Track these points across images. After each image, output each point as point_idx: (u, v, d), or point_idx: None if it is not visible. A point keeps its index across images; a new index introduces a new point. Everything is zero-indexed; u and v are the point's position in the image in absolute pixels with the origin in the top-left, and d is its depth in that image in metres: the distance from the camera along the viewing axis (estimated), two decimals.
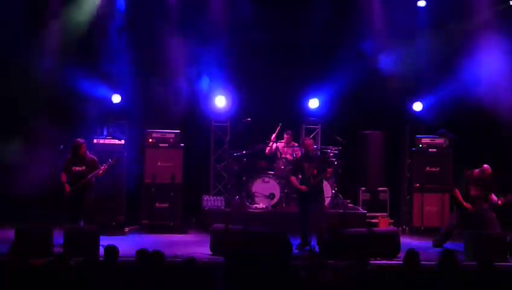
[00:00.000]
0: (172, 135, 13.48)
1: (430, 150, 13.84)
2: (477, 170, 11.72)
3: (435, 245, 11.95)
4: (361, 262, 7.92)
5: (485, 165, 11.67)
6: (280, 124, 13.79)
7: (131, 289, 7.56)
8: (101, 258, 8.90)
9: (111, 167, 11.72)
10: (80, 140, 11.54)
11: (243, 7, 13.61)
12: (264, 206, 13.36)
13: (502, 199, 11.60)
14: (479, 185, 11.67)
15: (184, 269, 7.75)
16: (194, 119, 14.06)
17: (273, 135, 13.83)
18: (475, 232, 11.10)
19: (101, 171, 11.49)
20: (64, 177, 11.43)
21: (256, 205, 13.38)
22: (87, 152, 11.61)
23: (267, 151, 13.83)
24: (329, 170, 11.76)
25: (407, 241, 12.19)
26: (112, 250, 8.06)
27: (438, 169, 13.74)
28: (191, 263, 7.78)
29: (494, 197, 11.63)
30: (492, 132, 13.73)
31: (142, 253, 7.86)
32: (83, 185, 11.39)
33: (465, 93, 13.31)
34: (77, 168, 11.42)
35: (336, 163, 13.38)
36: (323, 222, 11.38)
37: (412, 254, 8.22)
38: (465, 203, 11.65)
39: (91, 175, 11.42)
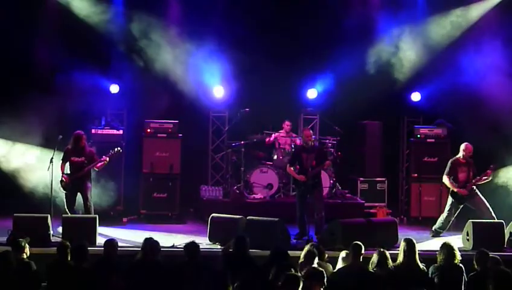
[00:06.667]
0: (171, 125, 13.47)
1: (428, 140, 13.87)
2: (459, 154, 11.73)
3: (433, 235, 11.97)
4: (355, 252, 8.00)
5: (465, 143, 11.68)
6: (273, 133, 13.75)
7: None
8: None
9: (113, 157, 11.69)
10: (80, 132, 11.56)
11: None
12: (262, 197, 13.35)
13: (489, 171, 11.58)
14: (465, 166, 11.67)
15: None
16: (192, 109, 14.01)
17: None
18: (472, 222, 11.08)
19: (101, 163, 11.46)
20: (63, 167, 11.43)
21: (254, 195, 13.37)
22: (86, 144, 11.62)
23: (266, 141, 13.78)
24: (328, 162, 11.75)
25: (405, 231, 12.18)
26: (111, 243, 8.08)
27: (436, 159, 13.73)
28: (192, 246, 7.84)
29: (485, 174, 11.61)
30: (490, 121, 13.69)
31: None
32: (81, 176, 11.39)
33: (464, 83, 13.30)
34: (76, 159, 11.42)
35: (334, 155, 13.38)
36: (322, 212, 11.39)
37: (410, 242, 8.27)
38: (457, 189, 11.64)
39: (90, 166, 11.42)
